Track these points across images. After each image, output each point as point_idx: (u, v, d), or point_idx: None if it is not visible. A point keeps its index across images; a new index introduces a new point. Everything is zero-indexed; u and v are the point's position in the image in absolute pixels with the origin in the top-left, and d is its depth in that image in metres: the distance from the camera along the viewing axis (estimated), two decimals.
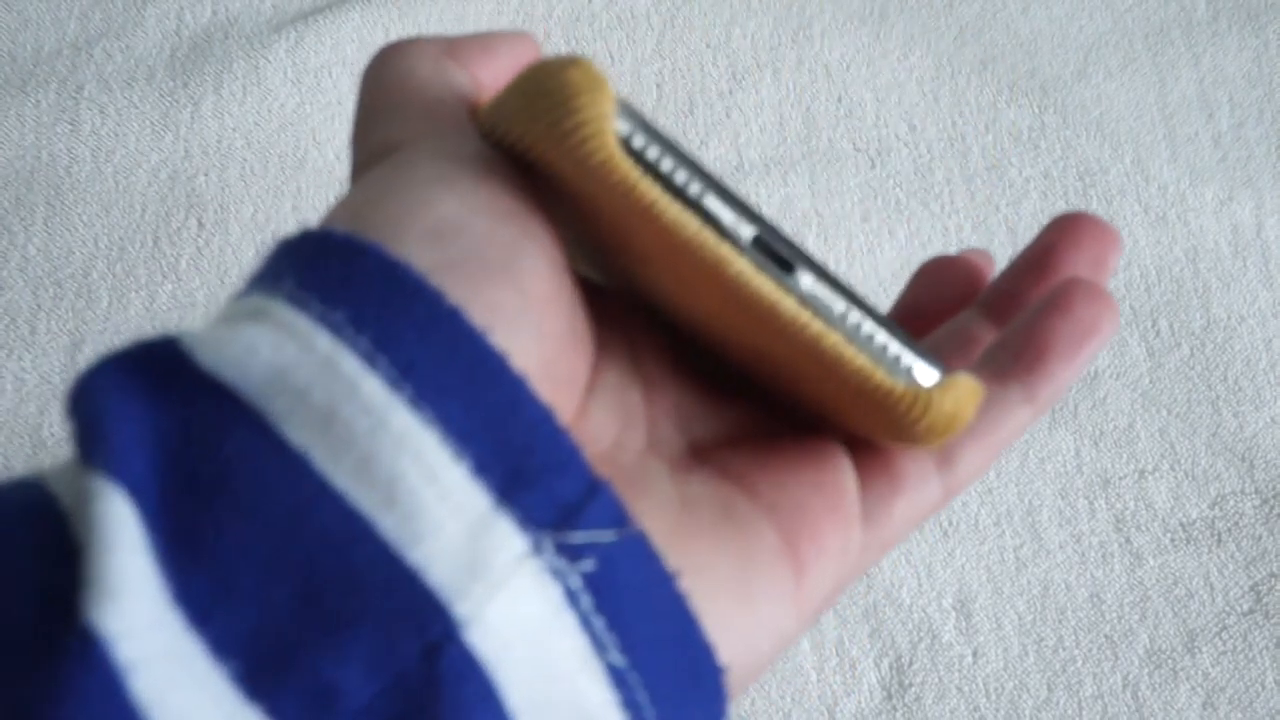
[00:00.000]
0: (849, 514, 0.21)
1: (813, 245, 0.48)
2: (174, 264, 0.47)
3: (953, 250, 0.48)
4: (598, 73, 0.18)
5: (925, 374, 0.19)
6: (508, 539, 0.16)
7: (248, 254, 0.47)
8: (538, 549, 0.16)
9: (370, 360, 0.16)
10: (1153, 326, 0.46)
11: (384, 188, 0.19)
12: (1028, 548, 0.42)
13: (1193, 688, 0.40)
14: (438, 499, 0.16)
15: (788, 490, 0.21)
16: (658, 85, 0.52)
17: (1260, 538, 0.42)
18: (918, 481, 0.22)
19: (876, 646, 0.40)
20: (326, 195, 0.49)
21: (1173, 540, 0.42)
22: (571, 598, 0.16)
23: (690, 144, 0.50)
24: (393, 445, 0.16)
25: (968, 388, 0.20)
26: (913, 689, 0.39)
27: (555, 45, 0.53)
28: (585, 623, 0.16)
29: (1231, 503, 0.43)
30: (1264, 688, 0.40)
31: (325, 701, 0.15)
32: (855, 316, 0.19)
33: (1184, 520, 0.43)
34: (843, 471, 0.22)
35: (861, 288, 0.47)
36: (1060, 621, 0.41)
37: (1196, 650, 0.40)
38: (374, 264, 0.17)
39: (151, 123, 0.50)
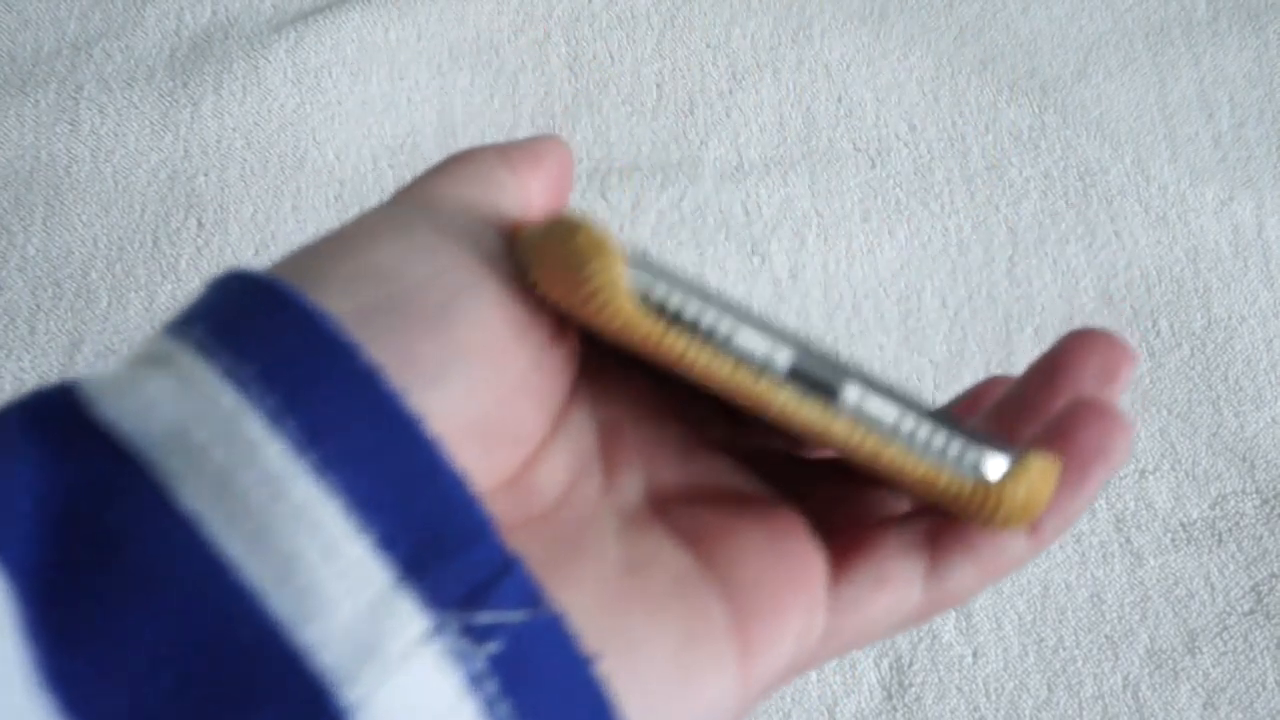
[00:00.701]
0: (813, 596, 0.20)
1: (812, 245, 0.48)
2: (173, 264, 0.47)
3: (953, 250, 0.48)
4: (601, 235, 0.18)
5: (994, 465, 0.19)
6: (408, 619, 0.15)
7: (247, 254, 0.47)
8: (440, 630, 0.15)
9: (277, 421, 0.15)
10: (1153, 327, 0.46)
11: (327, 236, 0.18)
12: None
13: (1193, 688, 0.40)
14: (335, 576, 0.15)
15: (748, 563, 0.20)
16: (658, 85, 0.52)
17: (1261, 538, 0.42)
18: (902, 583, 0.20)
19: (876, 646, 0.40)
20: (326, 195, 0.49)
21: (1173, 540, 0.42)
22: (475, 682, 0.15)
23: (690, 144, 0.50)
24: (290, 516, 0.15)
25: (1039, 470, 0.19)
26: (913, 689, 0.39)
27: (555, 45, 0.53)
28: (489, 708, 0.15)
29: (1232, 503, 0.43)
30: (1265, 688, 0.40)
31: None
32: (910, 423, 0.19)
33: (1184, 520, 0.43)
34: (812, 550, 0.20)
35: (861, 288, 0.47)
36: (1060, 621, 0.41)
37: (1197, 650, 0.40)
38: (293, 314, 0.16)
39: (151, 123, 0.50)
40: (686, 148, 0.50)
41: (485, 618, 0.16)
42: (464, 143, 0.50)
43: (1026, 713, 0.39)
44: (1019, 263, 0.48)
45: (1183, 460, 0.44)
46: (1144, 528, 0.42)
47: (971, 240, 0.48)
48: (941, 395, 0.45)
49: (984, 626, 0.41)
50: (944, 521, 0.21)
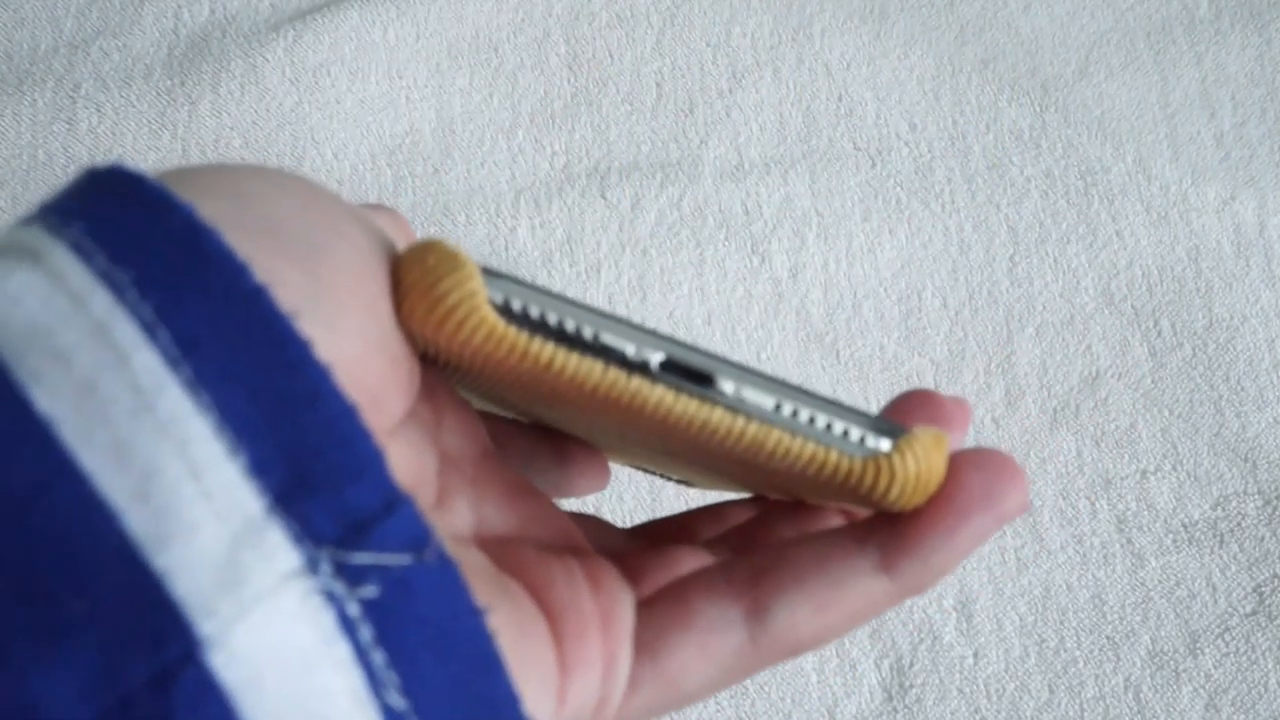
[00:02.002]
0: (618, 631, 0.19)
1: (813, 245, 0.48)
2: None
3: (954, 250, 0.48)
4: (453, 250, 0.17)
5: (880, 441, 0.19)
6: (276, 551, 0.14)
7: None
8: (312, 566, 0.14)
9: (151, 330, 0.14)
10: (1155, 326, 0.46)
11: (195, 167, 0.17)
12: (1029, 548, 0.42)
13: (1195, 689, 0.39)
14: (198, 497, 0.14)
15: (560, 592, 0.19)
16: (657, 84, 0.52)
17: (1263, 539, 0.42)
18: (713, 623, 0.19)
19: (877, 648, 0.40)
20: None
21: (1175, 541, 0.42)
22: (348, 626, 0.14)
23: (690, 143, 0.50)
24: (155, 430, 0.14)
25: (926, 441, 0.19)
26: (913, 690, 0.39)
27: (554, 44, 0.53)
28: (361, 657, 0.14)
29: (1234, 503, 0.43)
30: (1266, 689, 0.39)
31: None
32: (790, 405, 0.18)
33: (1186, 521, 0.42)
34: (619, 590, 0.20)
35: (861, 288, 0.47)
36: (1062, 622, 0.41)
37: (1199, 652, 0.40)
38: (178, 223, 0.15)
39: (149, 122, 0.50)
40: (686, 147, 0.50)
41: (363, 558, 0.15)
42: (462, 141, 0.50)
43: (1028, 714, 0.39)
44: (1020, 262, 0.48)
45: (1184, 461, 0.44)
46: (1145, 528, 0.42)
47: (972, 240, 0.48)
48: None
49: (985, 627, 0.40)
50: (770, 561, 0.20)
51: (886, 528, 0.19)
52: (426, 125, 0.50)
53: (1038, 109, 0.51)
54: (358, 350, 0.16)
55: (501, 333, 0.17)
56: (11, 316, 0.14)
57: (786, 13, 0.54)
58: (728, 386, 0.18)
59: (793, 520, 0.23)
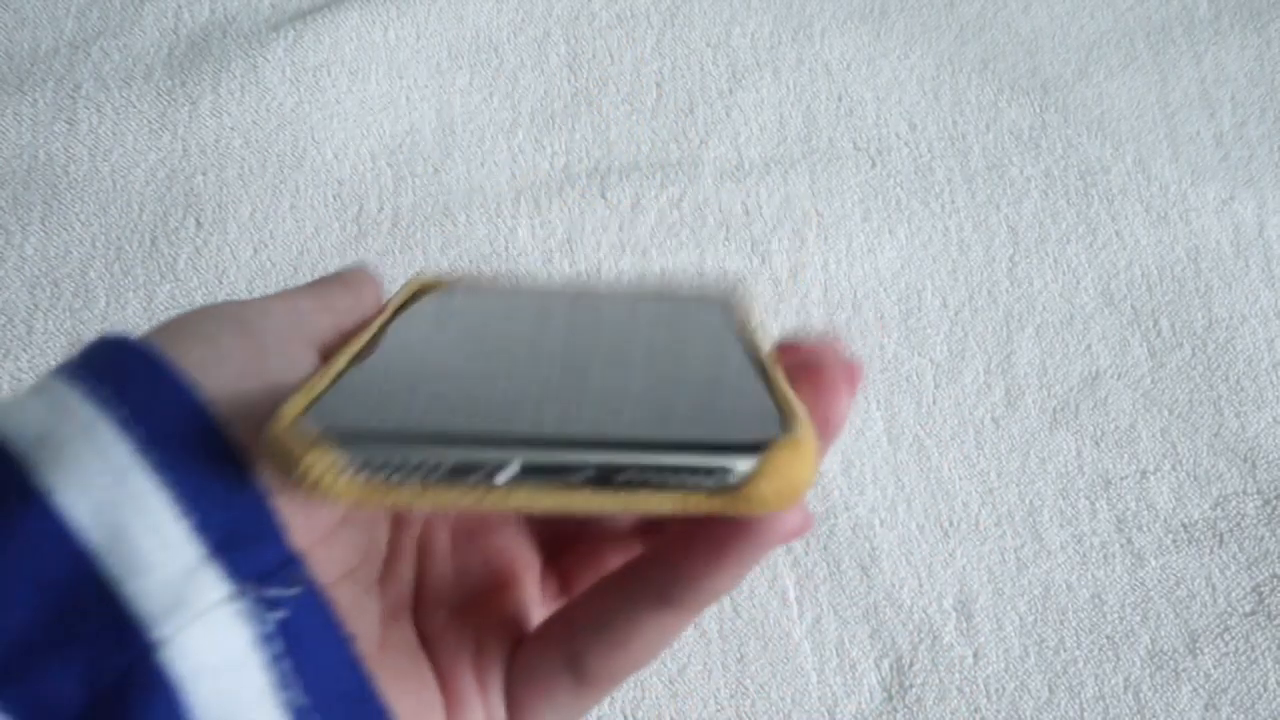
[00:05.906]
0: (491, 693, 0.24)
1: (812, 245, 0.48)
2: (172, 263, 0.47)
3: (954, 250, 0.48)
4: (298, 431, 0.19)
5: (741, 463, 0.19)
6: (214, 583, 0.19)
7: (246, 253, 0.47)
8: (240, 594, 0.20)
9: (126, 427, 0.20)
10: (1154, 326, 0.46)
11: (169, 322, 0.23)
12: (1029, 548, 0.42)
13: (1195, 689, 0.39)
14: (157, 547, 0.19)
15: (452, 665, 0.24)
16: (658, 84, 0.52)
17: (1262, 538, 0.42)
18: (546, 676, 0.24)
19: (877, 647, 0.40)
20: (324, 194, 0.48)
21: (1174, 541, 0.42)
22: (266, 640, 0.20)
23: (690, 143, 0.50)
24: (128, 499, 0.19)
25: (788, 458, 0.19)
26: (913, 690, 0.39)
27: (554, 44, 0.53)
28: (274, 662, 0.20)
29: (1233, 503, 0.43)
30: (1266, 689, 0.39)
31: (42, 712, 0.18)
32: (649, 461, 0.19)
33: (1186, 521, 0.42)
34: (496, 654, 0.25)
35: (861, 288, 0.47)
36: (1061, 622, 0.41)
37: (1198, 651, 0.40)
38: (144, 358, 0.21)
39: (149, 121, 0.50)
40: (686, 147, 0.50)
41: (274, 592, 0.20)
42: (462, 141, 0.50)
43: (1027, 714, 0.39)
44: (1020, 262, 0.48)
45: (1184, 460, 0.44)
46: (1145, 528, 0.42)
47: (972, 240, 0.48)
48: (942, 396, 0.45)
49: (985, 627, 0.40)
50: (577, 611, 0.24)
51: (660, 564, 0.22)
52: (426, 125, 0.50)
53: (1038, 109, 0.51)
54: None
55: (368, 496, 0.19)
56: (24, 427, 0.20)
57: (786, 13, 0.54)
58: (586, 470, 0.19)
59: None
